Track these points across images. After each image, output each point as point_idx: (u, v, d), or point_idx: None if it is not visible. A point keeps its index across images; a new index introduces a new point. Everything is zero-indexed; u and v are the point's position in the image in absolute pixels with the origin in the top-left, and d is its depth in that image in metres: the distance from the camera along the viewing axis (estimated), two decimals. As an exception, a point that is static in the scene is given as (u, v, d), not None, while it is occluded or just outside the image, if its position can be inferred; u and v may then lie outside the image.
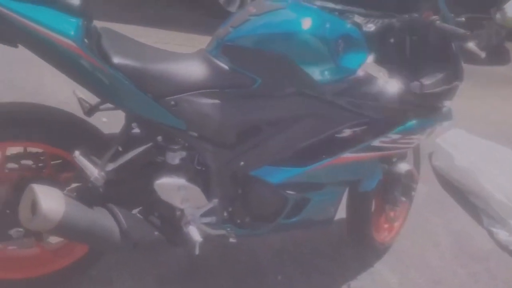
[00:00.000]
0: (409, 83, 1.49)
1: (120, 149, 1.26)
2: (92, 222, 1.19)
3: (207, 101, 1.28)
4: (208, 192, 1.40)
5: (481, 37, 4.67)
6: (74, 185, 1.26)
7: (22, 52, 1.11)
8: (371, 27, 1.53)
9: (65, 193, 1.17)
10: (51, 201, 1.10)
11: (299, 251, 1.98)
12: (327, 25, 1.33)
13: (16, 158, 1.30)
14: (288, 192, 1.49)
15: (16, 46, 1.08)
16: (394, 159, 1.64)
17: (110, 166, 1.22)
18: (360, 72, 1.42)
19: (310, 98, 1.37)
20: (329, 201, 1.64)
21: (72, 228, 1.14)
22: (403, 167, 1.64)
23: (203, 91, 1.28)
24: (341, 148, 1.48)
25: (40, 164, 1.31)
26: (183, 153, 1.34)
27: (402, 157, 1.70)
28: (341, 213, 1.91)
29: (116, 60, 1.14)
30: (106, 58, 1.13)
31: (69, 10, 1.05)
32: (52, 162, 1.32)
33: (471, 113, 3.56)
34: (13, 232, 1.25)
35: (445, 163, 2.73)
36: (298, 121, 1.40)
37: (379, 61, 1.54)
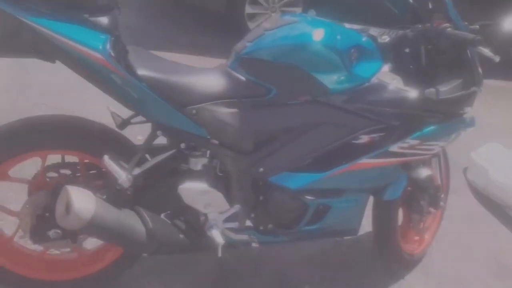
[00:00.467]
0: (425, 90, 1.52)
1: (147, 155, 1.37)
2: (120, 221, 1.28)
3: (226, 110, 1.37)
4: (230, 198, 1.47)
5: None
6: (105, 190, 1.37)
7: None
8: (386, 38, 1.59)
9: (96, 195, 1.28)
10: (82, 201, 1.21)
11: (327, 261, 1.99)
12: (338, 36, 1.40)
13: (55, 167, 1.43)
14: (308, 197, 1.53)
15: (54, 62, 1.23)
16: (416, 166, 1.64)
17: (137, 171, 1.32)
18: (375, 80, 1.47)
19: (324, 105, 1.43)
20: (351, 208, 1.66)
21: (101, 227, 1.24)
22: (423, 172, 1.64)
23: (222, 101, 1.37)
24: (358, 154, 1.51)
25: (77, 174, 1.44)
26: (205, 160, 1.43)
27: (424, 164, 1.70)
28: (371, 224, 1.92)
29: (141, 72, 1.26)
30: (132, 71, 1.25)
31: (98, 27, 1.18)
32: (87, 172, 1.44)
33: (507, 129, 3.46)
34: (51, 233, 1.37)
35: (480, 177, 2.66)
36: (313, 128, 1.45)
37: (396, 70, 1.58)
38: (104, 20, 1.19)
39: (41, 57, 1.21)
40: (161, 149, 1.40)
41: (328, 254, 2.03)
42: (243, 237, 1.56)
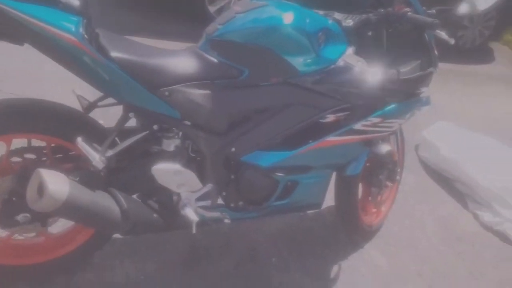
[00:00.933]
0: (386, 71, 1.60)
1: (119, 137, 1.36)
2: (94, 203, 1.28)
3: (198, 92, 1.38)
4: (202, 177, 1.49)
5: (465, 37, 4.82)
6: (77, 172, 1.35)
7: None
8: (349, 22, 1.63)
9: (69, 177, 1.26)
10: (56, 183, 1.19)
11: (293, 235, 2.08)
12: (307, 20, 1.44)
13: (19, 151, 1.39)
14: (278, 174, 1.59)
15: (22, 44, 1.18)
16: (376, 142, 1.74)
17: (110, 153, 1.32)
18: (340, 62, 1.53)
19: (294, 86, 1.48)
20: (316, 184, 1.74)
21: (76, 208, 1.23)
22: (383, 148, 1.74)
23: (195, 82, 1.38)
24: (325, 132, 1.58)
25: (43, 158, 1.41)
26: (178, 141, 1.44)
27: (384, 141, 1.80)
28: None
29: (113, 54, 1.24)
30: (104, 53, 1.23)
31: (70, 9, 1.15)
32: (53, 156, 1.41)
33: (457, 109, 3.70)
34: (20, 217, 1.34)
35: (431, 153, 2.84)
36: (284, 109, 1.50)
37: (359, 52, 1.65)
38: (75, 2, 1.16)
39: (8, 40, 1.16)
40: (133, 131, 1.39)
41: (294, 229, 2.12)
42: (215, 214, 1.60)
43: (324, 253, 2.03)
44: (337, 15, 1.64)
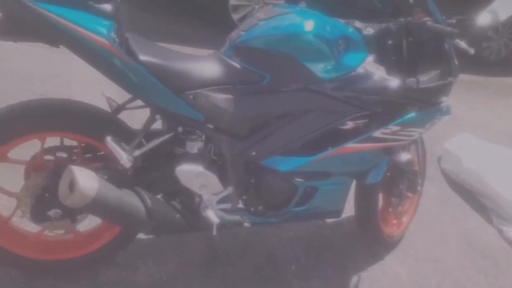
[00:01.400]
0: (406, 79, 1.63)
1: (145, 138, 1.43)
2: (121, 200, 1.34)
3: (221, 96, 1.44)
4: (223, 180, 1.54)
5: (491, 48, 4.78)
6: (106, 170, 1.42)
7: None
8: (370, 30, 1.68)
9: (98, 175, 1.33)
10: (86, 179, 1.26)
11: (312, 243, 2.09)
12: (328, 28, 1.49)
13: (52, 150, 1.47)
14: (297, 180, 1.62)
15: (58, 46, 1.27)
16: (396, 151, 1.75)
17: (137, 152, 1.38)
18: (360, 70, 1.57)
19: (314, 93, 1.52)
20: (336, 191, 1.77)
21: (104, 205, 1.30)
22: (403, 156, 1.74)
23: (218, 87, 1.44)
24: (344, 138, 1.61)
25: (73, 157, 1.49)
26: (201, 143, 1.49)
27: (404, 149, 1.81)
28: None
29: (142, 57, 1.31)
30: (133, 56, 1.30)
31: (102, 14, 1.23)
32: (83, 155, 1.49)
33: (480, 121, 3.66)
34: (51, 213, 1.42)
35: (454, 165, 2.82)
36: (304, 114, 1.54)
37: (379, 61, 1.68)
38: (107, 7, 1.24)
39: (45, 42, 1.25)
40: (159, 133, 1.46)
41: (313, 237, 2.13)
42: (235, 217, 1.64)
43: (343, 262, 2.03)
44: (358, 24, 1.68)
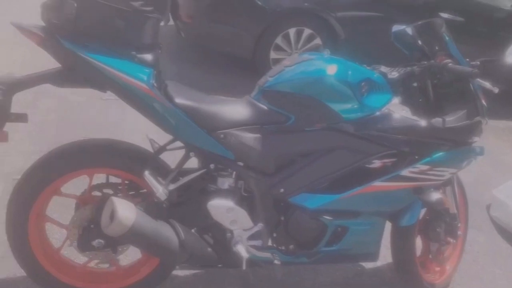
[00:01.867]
0: (431, 119, 1.66)
1: (180, 174, 1.56)
2: (156, 231, 1.45)
3: (250, 135, 1.55)
4: (254, 216, 1.61)
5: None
6: (143, 203, 1.55)
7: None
8: (395, 74, 1.76)
9: (136, 206, 1.46)
10: (125, 209, 1.39)
11: (348, 285, 2.05)
12: (350, 72, 1.59)
13: (100, 186, 1.64)
14: (325, 218, 1.66)
15: (105, 91, 1.47)
16: (427, 190, 1.74)
17: (172, 187, 1.50)
18: (385, 110, 1.64)
19: (339, 132, 1.60)
20: (367, 232, 1.76)
21: (140, 234, 1.41)
22: (433, 195, 1.72)
23: (247, 127, 1.56)
24: (371, 177, 1.64)
25: (118, 194, 1.64)
26: (232, 180, 1.60)
27: (435, 189, 1.78)
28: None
29: (178, 100, 1.47)
30: (170, 99, 1.47)
31: (143, 62, 1.41)
32: (127, 192, 1.64)
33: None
34: (95, 242, 1.55)
35: (503, 214, 2.69)
36: (329, 153, 1.61)
37: (406, 103, 1.74)
38: (148, 56, 1.43)
39: (94, 87, 1.46)
40: (193, 169, 1.58)
41: (350, 283, 2.09)
42: (266, 255, 1.68)
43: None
44: (384, 68, 1.78)
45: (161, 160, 1.63)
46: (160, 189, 1.47)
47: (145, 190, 1.64)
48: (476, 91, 1.71)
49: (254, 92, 1.65)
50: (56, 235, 1.85)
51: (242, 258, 1.58)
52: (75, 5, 1.32)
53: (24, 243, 1.59)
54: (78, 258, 1.74)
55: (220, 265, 1.68)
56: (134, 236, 1.42)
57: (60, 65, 1.44)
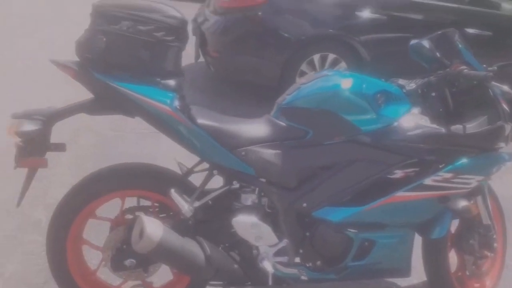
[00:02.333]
0: (451, 126, 1.66)
1: (206, 192, 1.62)
2: (183, 247, 1.50)
3: (270, 151, 1.61)
4: (278, 232, 1.64)
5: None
6: (171, 220, 1.62)
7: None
8: (412, 86, 1.79)
9: (163, 224, 1.52)
10: (153, 227, 1.46)
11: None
12: (364, 85, 1.64)
13: (132, 209, 1.72)
14: (350, 231, 1.66)
15: (133, 117, 1.57)
16: (454, 199, 1.71)
17: (197, 204, 1.57)
18: (403, 120, 1.65)
19: (358, 144, 1.62)
20: (396, 245, 1.74)
21: (167, 250, 1.47)
22: (460, 203, 1.69)
23: (267, 143, 1.62)
24: (394, 188, 1.64)
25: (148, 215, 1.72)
26: (254, 196, 1.64)
27: (462, 198, 1.74)
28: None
29: (200, 121, 1.56)
30: (193, 120, 1.55)
31: (167, 88, 1.51)
32: (157, 214, 1.71)
33: None
34: (127, 262, 1.62)
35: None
36: (349, 165, 1.63)
37: (426, 113, 1.75)
38: (171, 82, 1.53)
39: (124, 113, 1.57)
40: (218, 188, 1.64)
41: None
42: (293, 271, 1.69)
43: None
44: (401, 81, 1.81)
45: (188, 181, 1.70)
46: (185, 206, 1.54)
47: (172, 212, 1.71)
48: (496, 96, 1.70)
49: (273, 110, 1.71)
50: (93, 259, 1.94)
51: (268, 274, 1.60)
52: (104, 39, 1.45)
53: (63, 266, 1.68)
54: (114, 280, 1.80)
55: (248, 283, 1.70)
56: (162, 252, 1.48)
57: (93, 95, 1.57)
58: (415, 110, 1.74)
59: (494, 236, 1.92)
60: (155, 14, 1.47)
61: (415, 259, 1.89)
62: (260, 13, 3.88)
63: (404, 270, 1.80)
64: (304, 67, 3.94)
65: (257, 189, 1.65)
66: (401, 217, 1.69)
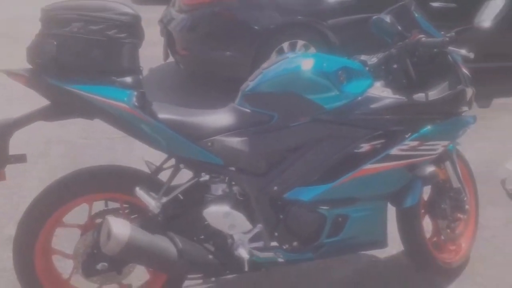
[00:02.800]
0: (413, 95, 1.66)
1: (173, 187, 1.58)
2: (153, 244, 1.46)
3: (237, 139, 1.57)
4: (252, 218, 1.62)
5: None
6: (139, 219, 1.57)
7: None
8: (374, 60, 1.78)
9: (131, 223, 1.48)
10: (119, 227, 1.42)
11: (363, 282, 2.03)
12: (324, 63, 1.61)
13: (101, 213, 1.66)
14: (323, 208, 1.65)
15: (92, 119, 1.51)
16: (419, 166, 1.72)
17: (165, 199, 1.53)
18: (366, 95, 1.64)
19: (323, 122, 1.60)
20: (369, 218, 1.75)
21: (137, 248, 1.43)
22: (426, 169, 1.70)
23: (232, 132, 1.58)
24: (361, 161, 1.64)
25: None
26: (225, 185, 1.61)
27: (429, 164, 1.76)
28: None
29: (162, 116, 1.50)
30: (154, 116, 1.49)
31: (124, 86, 1.45)
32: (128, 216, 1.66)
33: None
34: (99, 266, 1.57)
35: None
36: (317, 144, 1.61)
37: (389, 85, 1.74)
38: (128, 79, 1.46)
39: (82, 116, 1.50)
40: (186, 181, 1.60)
41: (363, 275, 2.06)
42: (269, 255, 1.67)
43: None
44: (363, 57, 1.80)
45: (157, 179, 1.65)
46: (152, 203, 1.49)
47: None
48: (455, 61, 1.71)
49: (237, 98, 1.67)
50: (68, 269, 1.88)
51: (244, 261, 1.58)
52: (55, 43, 1.38)
53: (32, 279, 1.61)
54: (90, 287, 1.75)
55: (227, 272, 1.68)
56: (131, 251, 1.43)
57: (48, 102, 1.49)
58: (378, 84, 1.73)
59: (465, 199, 1.96)
60: (106, 13, 1.42)
61: (393, 230, 1.91)
62: (225, 6, 3.84)
63: (380, 241, 1.82)
64: (274, 56, 3.89)
65: (226, 178, 1.62)
66: (371, 189, 1.69)
